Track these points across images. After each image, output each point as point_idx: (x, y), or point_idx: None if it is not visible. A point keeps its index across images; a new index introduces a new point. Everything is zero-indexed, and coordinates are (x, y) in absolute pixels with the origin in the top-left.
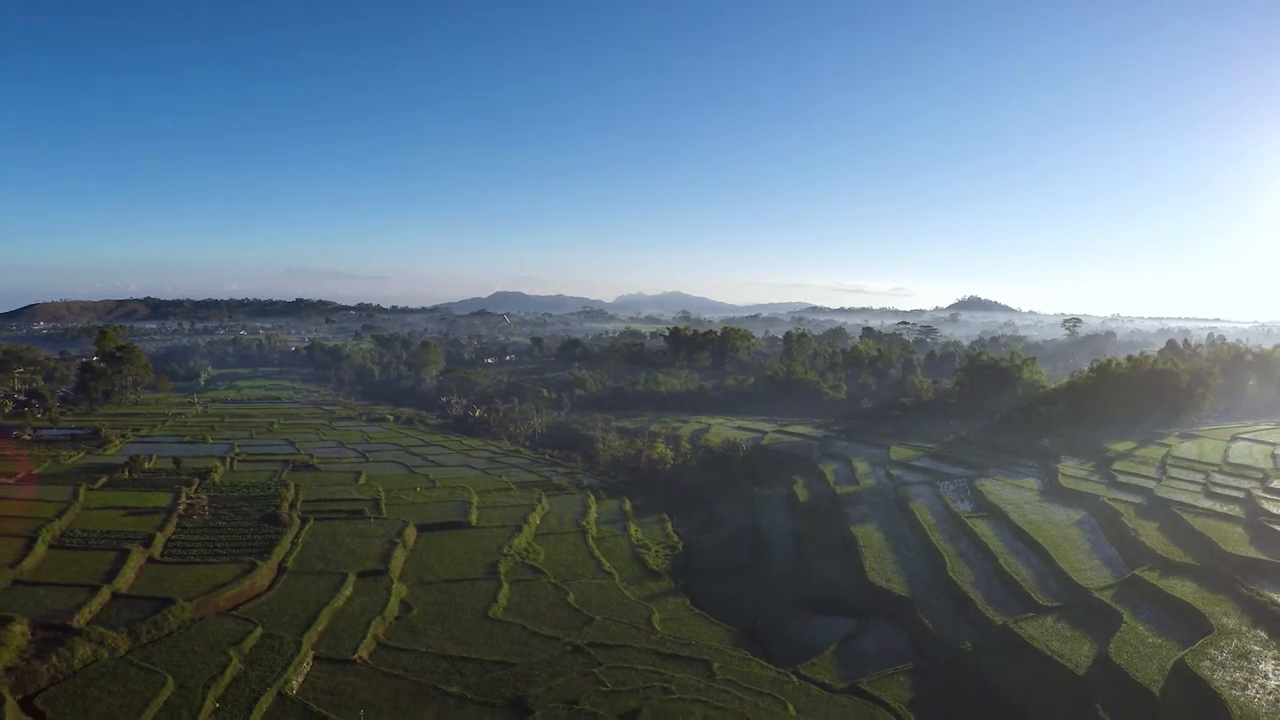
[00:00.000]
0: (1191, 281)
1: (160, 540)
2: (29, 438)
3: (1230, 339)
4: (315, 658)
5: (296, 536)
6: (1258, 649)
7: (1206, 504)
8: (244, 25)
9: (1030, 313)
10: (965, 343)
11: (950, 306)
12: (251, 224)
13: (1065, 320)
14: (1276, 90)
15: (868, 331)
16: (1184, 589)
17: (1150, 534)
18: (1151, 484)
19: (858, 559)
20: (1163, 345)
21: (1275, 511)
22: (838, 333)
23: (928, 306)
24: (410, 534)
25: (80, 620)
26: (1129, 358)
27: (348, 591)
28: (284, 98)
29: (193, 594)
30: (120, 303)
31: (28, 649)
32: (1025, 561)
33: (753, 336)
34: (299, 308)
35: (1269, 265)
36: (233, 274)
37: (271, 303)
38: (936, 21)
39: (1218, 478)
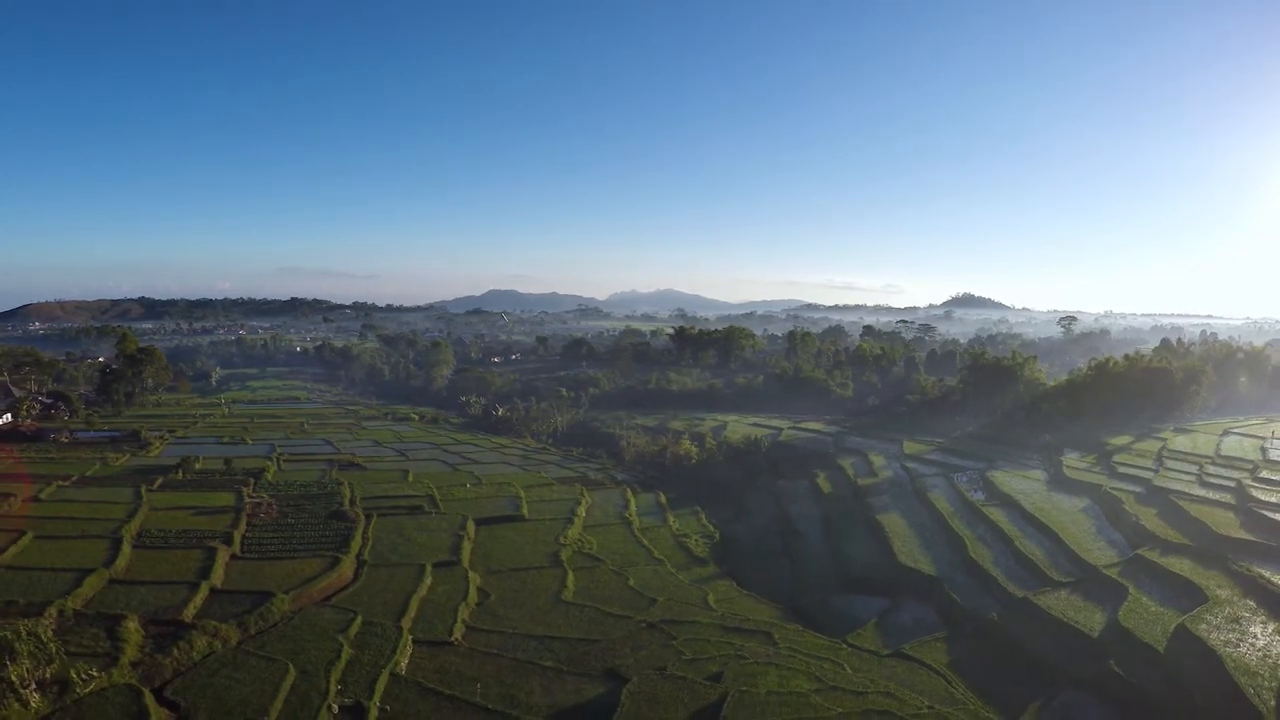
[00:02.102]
0: (1184, 278)
1: (237, 538)
2: (66, 440)
3: (1222, 336)
4: (414, 641)
5: (365, 531)
6: (1247, 615)
7: (1200, 492)
8: (237, 25)
9: (1024, 309)
10: (963, 340)
11: (944, 304)
12: (243, 223)
13: (1061, 318)
14: (1268, 89)
15: (868, 330)
16: (1182, 566)
17: (1150, 519)
18: (1149, 475)
19: (886, 543)
20: (1157, 342)
21: (1263, 499)
22: (837, 331)
23: (921, 304)
24: (471, 527)
25: (189, 614)
26: (1125, 356)
27: (428, 581)
28: (277, 97)
29: (286, 587)
30: (115, 302)
31: (145, 644)
32: (1038, 543)
33: (755, 335)
34: (294, 306)
35: (1260, 262)
36: (224, 273)
37: (267, 302)
38: (929, 20)
39: (1210, 469)
